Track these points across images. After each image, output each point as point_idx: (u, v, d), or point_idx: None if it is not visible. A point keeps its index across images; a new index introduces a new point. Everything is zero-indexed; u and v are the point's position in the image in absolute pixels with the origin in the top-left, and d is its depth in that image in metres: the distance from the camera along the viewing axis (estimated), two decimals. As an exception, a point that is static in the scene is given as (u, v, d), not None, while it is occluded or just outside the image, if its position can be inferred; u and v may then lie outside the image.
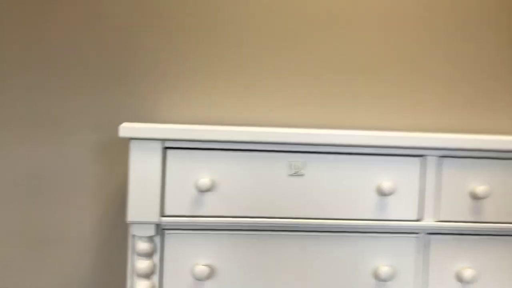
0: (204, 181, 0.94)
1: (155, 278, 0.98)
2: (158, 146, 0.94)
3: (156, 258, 0.98)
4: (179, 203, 0.96)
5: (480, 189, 0.98)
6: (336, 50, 1.37)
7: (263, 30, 1.34)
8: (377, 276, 0.99)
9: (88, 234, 1.31)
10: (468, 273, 1.00)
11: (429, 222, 1.00)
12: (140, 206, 0.94)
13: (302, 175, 0.98)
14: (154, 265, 0.98)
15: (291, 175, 0.98)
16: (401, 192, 1.00)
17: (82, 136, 1.30)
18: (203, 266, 0.96)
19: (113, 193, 1.32)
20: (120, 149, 1.30)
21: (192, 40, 1.32)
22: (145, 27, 1.31)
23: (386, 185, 0.97)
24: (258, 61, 1.35)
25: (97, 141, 1.31)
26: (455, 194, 1.00)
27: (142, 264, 0.96)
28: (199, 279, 0.96)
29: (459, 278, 1.02)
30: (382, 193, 0.98)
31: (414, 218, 1.01)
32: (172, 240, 0.97)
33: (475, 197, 0.99)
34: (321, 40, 1.36)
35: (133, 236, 0.97)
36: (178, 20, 1.32)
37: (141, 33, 1.31)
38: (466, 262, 1.02)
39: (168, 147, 0.96)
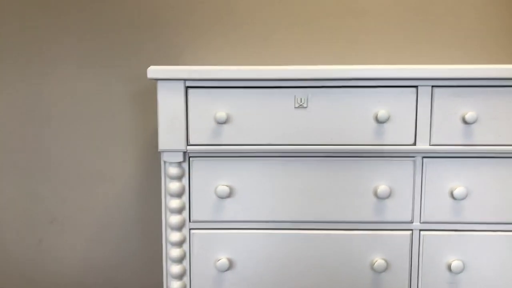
0: (221, 114, 1.10)
1: (185, 197, 1.17)
2: (181, 86, 1.10)
3: (185, 180, 1.16)
4: (201, 134, 1.13)
5: (469, 114, 1.08)
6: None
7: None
8: (377, 194, 1.13)
9: (130, 165, 1.52)
10: (459, 190, 1.12)
11: (423, 146, 1.12)
12: (169, 137, 1.12)
13: (305, 107, 1.11)
14: (183, 187, 1.16)
15: (297, 107, 1.12)
16: (397, 120, 1.11)
17: (119, 82, 1.49)
18: (224, 186, 1.14)
19: (151, 132, 1.51)
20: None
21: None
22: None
23: (382, 113, 1.09)
24: (269, 11, 1.46)
25: (132, 87, 1.49)
26: (447, 120, 1.10)
27: (174, 186, 1.16)
28: (221, 197, 1.15)
29: (452, 195, 1.14)
30: (379, 121, 1.10)
31: (410, 142, 1.12)
32: (197, 165, 1.15)
33: (465, 122, 1.09)
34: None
35: (165, 162, 1.15)
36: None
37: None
38: (458, 181, 1.14)
39: (189, 86, 1.11)
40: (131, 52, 1.47)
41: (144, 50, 1.47)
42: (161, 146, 1.12)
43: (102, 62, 1.48)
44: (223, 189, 1.14)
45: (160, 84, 1.11)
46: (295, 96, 1.11)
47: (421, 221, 1.16)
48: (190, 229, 1.18)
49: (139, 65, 1.47)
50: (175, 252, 1.18)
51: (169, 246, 1.19)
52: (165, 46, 1.47)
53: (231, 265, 1.18)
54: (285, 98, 1.11)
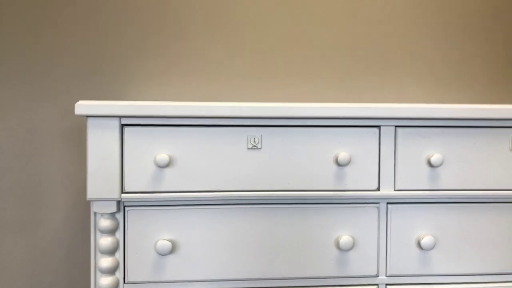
0: (163, 156, 0.95)
1: (119, 254, 0.99)
2: (115, 123, 0.95)
3: (119, 234, 0.99)
4: (139, 180, 0.97)
5: (435, 157, 1.00)
6: (297, 28, 1.37)
7: (215, 10, 1.35)
8: (339, 246, 1.01)
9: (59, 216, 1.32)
10: (427, 239, 1.03)
11: (388, 191, 1.02)
12: (100, 184, 0.95)
13: (259, 148, 0.99)
14: (117, 242, 0.99)
15: (250, 148, 0.99)
16: (359, 162, 1.01)
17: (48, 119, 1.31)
18: (166, 241, 0.98)
19: (84, 176, 1.33)
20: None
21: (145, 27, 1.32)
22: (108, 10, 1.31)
23: (343, 155, 0.98)
24: (213, 41, 1.36)
25: (63, 123, 1.31)
26: (412, 163, 1.02)
27: (105, 241, 0.98)
28: (162, 254, 0.98)
29: (419, 245, 1.04)
30: (340, 164, 0.99)
31: (374, 188, 1.02)
32: (134, 216, 0.99)
33: (430, 165, 1.01)
34: (278, 19, 1.37)
35: (95, 213, 0.98)
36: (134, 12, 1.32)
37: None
38: (425, 229, 1.05)
39: (125, 124, 0.96)
40: (63, 84, 1.31)
41: (77, 83, 1.31)
42: (90, 195, 0.95)
43: (30, 95, 1.30)
44: (164, 244, 0.97)
45: (90, 122, 0.95)
46: (247, 136, 0.99)
47: (387, 275, 1.04)
48: (124, 292, 1.00)
49: (71, 99, 1.30)
50: (106, 321, 0.98)
51: (98, 313, 0.99)
52: (102, 79, 1.32)
53: (173, 333, 1.00)
54: (237, 138, 0.99)
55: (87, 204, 1.31)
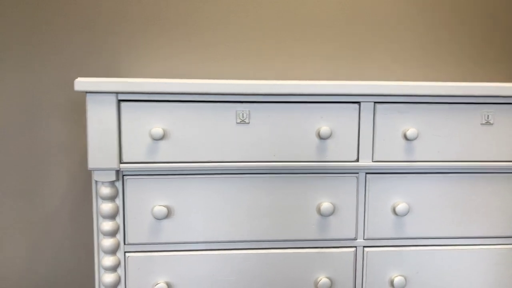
0: (157, 130, 1.03)
1: (119, 218, 1.09)
2: (112, 99, 1.02)
3: (119, 201, 1.08)
4: (136, 151, 1.05)
5: (410, 131, 1.07)
6: (290, 5, 1.41)
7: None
8: (320, 212, 1.11)
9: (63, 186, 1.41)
10: (401, 206, 1.12)
11: (366, 162, 1.10)
12: (100, 154, 1.03)
13: (248, 123, 1.07)
14: (117, 207, 1.08)
15: (239, 123, 1.07)
16: (340, 136, 1.09)
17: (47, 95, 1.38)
18: (162, 207, 1.07)
19: (85, 147, 1.41)
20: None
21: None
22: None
23: (324, 129, 1.06)
24: (213, 22, 1.40)
25: (63, 97, 1.38)
26: (389, 137, 1.09)
27: (106, 207, 1.07)
28: (159, 218, 1.07)
29: (394, 212, 1.13)
30: (322, 137, 1.07)
31: (353, 159, 1.10)
32: (132, 184, 1.07)
33: (406, 138, 1.09)
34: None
35: (96, 181, 1.06)
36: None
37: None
38: (400, 197, 1.13)
39: (122, 99, 1.03)
40: (64, 57, 1.37)
41: (78, 57, 1.37)
42: (91, 165, 1.04)
43: (31, 69, 1.36)
44: (160, 209, 1.07)
45: (89, 97, 1.02)
46: (236, 111, 1.06)
47: (365, 238, 1.14)
48: (125, 252, 1.10)
49: (72, 73, 1.36)
50: (108, 278, 1.09)
51: (102, 271, 1.10)
52: (100, 55, 1.38)
53: (170, 289, 1.11)
54: (227, 113, 1.06)
55: (88, 173, 1.40)
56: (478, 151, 1.11)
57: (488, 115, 1.10)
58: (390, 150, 1.10)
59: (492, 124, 1.11)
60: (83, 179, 1.41)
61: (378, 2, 1.43)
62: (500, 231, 1.16)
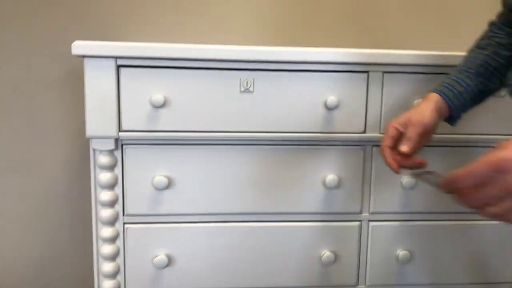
0: (158, 97, 0.99)
1: (118, 189, 1.06)
2: (111, 64, 0.98)
3: (118, 170, 1.05)
4: (135, 119, 1.01)
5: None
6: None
7: None
8: (325, 184, 1.08)
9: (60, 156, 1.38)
10: (408, 180, 1.09)
11: (373, 134, 1.07)
12: (98, 122, 1.00)
13: (252, 92, 1.03)
14: (116, 177, 1.05)
15: (242, 91, 1.03)
16: (347, 107, 1.05)
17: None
18: (162, 177, 1.04)
19: (82, 117, 1.37)
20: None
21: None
22: None
23: (331, 99, 1.02)
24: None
25: (58, 66, 1.33)
26: (398, 108, 1.06)
27: (105, 176, 1.04)
28: (159, 188, 1.04)
29: (402, 185, 1.10)
30: (328, 108, 1.03)
31: (360, 131, 1.07)
32: (131, 153, 1.04)
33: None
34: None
35: (94, 150, 1.03)
36: None
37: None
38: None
39: (121, 65, 0.99)
40: (56, 26, 1.31)
41: (72, 24, 1.32)
42: (89, 132, 1.00)
43: (21, 39, 1.31)
44: (160, 179, 1.04)
45: (87, 62, 0.97)
46: (240, 79, 1.02)
47: (370, 212, 1.12)
48: (124, 223, 1.07)
49: (65, 41, 1.31)
50: (107, 249, 1.07)
51: (100, 242, 1.07)
52: (97, 20, 1.33)
53: (170, 261, 1.09)
54: (230, 81, 1.02)
55: (86, 143, 1.37)
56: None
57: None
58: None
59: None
60: (81, 150, 1.37)
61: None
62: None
